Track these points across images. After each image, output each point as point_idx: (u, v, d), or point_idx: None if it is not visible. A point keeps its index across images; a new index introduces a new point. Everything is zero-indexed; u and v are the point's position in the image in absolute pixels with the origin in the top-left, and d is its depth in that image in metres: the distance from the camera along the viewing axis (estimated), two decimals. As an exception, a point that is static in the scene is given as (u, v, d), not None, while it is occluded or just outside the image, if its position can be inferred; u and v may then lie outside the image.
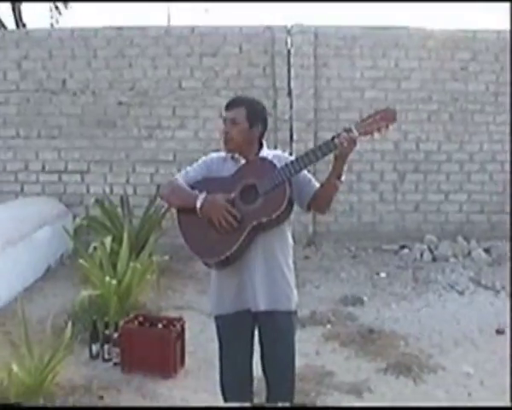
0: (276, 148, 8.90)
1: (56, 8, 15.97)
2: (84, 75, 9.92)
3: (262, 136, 3.68)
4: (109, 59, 9.89)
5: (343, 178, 3.46)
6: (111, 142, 9.96)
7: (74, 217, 9.72)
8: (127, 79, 9.90)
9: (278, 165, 3.47)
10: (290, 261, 3.71)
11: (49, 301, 7.28)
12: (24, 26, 14.54)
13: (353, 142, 3.31)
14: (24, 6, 15.01)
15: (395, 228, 9.96)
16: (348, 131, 3.32)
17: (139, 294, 6.81)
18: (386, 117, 3.36)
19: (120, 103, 9.93)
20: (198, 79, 9.85)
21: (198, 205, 3.45)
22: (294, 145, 9.68)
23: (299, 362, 5.28)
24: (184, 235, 3.61)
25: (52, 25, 15.66)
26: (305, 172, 3.59)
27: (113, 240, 7.87)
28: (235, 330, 3.70)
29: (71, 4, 16.22)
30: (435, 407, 4.85)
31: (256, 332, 3.73)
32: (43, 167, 10.02)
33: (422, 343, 6.02)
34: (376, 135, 3.38)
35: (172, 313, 6.50)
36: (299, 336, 5.99)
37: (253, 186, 3.44)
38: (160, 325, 5.47)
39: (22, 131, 10.02)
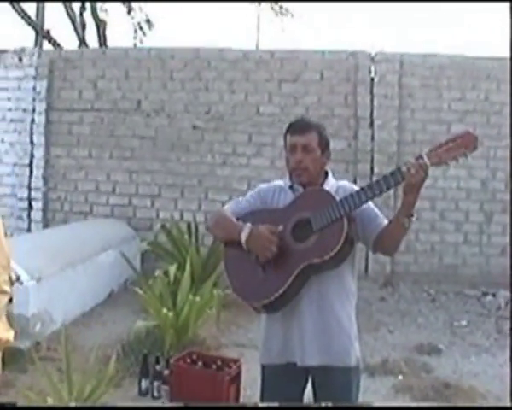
0: (355, 181, 8.45)
1: (141, 28, 16.02)
2: (159, 97, 9.74)
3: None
4: (185, 81, 9.69)
5: (414, 217, 3.01)
6: (184, 166, 9.70)
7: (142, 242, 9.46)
8: (203, 102, 9.66)
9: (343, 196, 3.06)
10: (351, 310, 3.24)
11: (106, 329, 7.04)
12: (106, 45, 14.56)
13: (423, 170, 2.83)
14: (110, 26, 15.11)
15: (479, 272, 9.29)
16: (418, 158, 2.86)
17: (199, 328, 6.44)
18: (464, 144, 2.84)
19: (195, 127, 9.69)
20: (276, 105, 9.50)
21: (243, 238, 3.06)
22: (375, 179, 9.16)
23: (364, 417, 4.78)
24: (229, 273, 3.25)
25: (135, 45, 15.69)
26: (371, 205, 3.17)
27: (178, 268, 7.53)
28: (281, 384, 3.25)
29: (155, 24, 16.25)
30: (435, 407, 4.77)
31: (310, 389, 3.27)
32: (114, 189, 9.86)
33: (504, 404, 5.38)
34: (452, 164, 2.89)
35: (233, 351, 6.12)
36: (367, 386, 5.59)
37: (308, 221, 3.02)
38: (213, 366, 5.04)
39: (94, 151, 9.92)
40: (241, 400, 5.06)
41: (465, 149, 2.83)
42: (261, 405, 3.38)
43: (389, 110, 9.32)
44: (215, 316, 6.71)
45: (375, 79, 9.38)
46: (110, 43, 14.79)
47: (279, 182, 3.34)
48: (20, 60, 10.15)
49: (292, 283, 2.99)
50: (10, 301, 6.12)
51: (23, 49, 10.24)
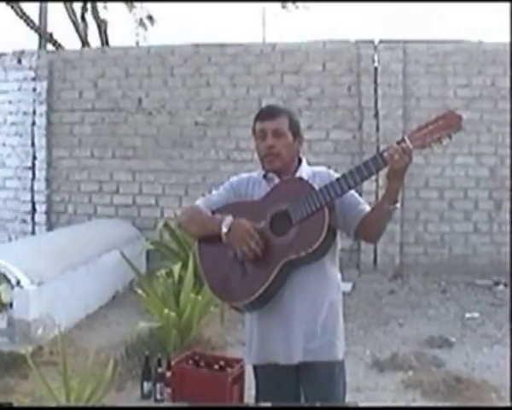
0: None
1: (143, 24, 15.93)
2: (161, 94, 9.64)
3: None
4: (186, 77, 9.59)
5: (398, 204, 2.86)
6: (187, 164, 9.59)
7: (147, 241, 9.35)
8: (204, 98, 9.56)
9: (321, 183, 2.91)
10: (336, 302, 3.11)
11: (111, 330, 6.93)
12: (107, 44, 14.46)
13: (407, 155, 2.68)
14: (111, 24, 15.04)
15: (490, 262, 9.13)
16: (401, 142, 2.70)
17: (204, 327, 6.32)
18: (447, 124, 2.68)
19: (197, 123, 9.57)
20: (279, 97, 9.36)
21: (224, 229, 2.91)
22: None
23: (372, 414, 4.63)
24: (205, 272, 3.12)
25: (138, 42, 15.63)
26: (351, 192, 2.99)
27: (183, 267, 7.40)
28: (272, 383, 3.13)
29: (156, 20, 16.16)
30: (435, 407, 4.66)
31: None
32: (117, 189, 9.78)
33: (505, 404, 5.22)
34: (436, 147, 2.74)
35: (239, 350, 5.95)
36: (376, 382, 5.45)
37: (286, 213, 2.88)
38: (216, 366, 4.90)
39: (97, 151, 9.85)
40: (246, 399, 4.93)
41: (449, 130, 2.68)
42: (262, 405, 3.22)
43: (394, 99, 9.16)
44: (220, 314, 6.59)
45: (379, 69, 9.22)
46: (112, 41, 14.71)
47: (252, 174, 3.22)
48: (20, 62, 10.07)
49: (274, 279, 2.86)
50: (10, 305, 6.06)
51: (22, 51, 10.16)
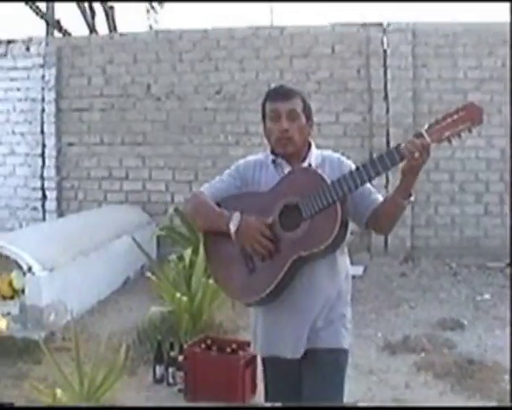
0: (371, 155, 8.27)
1: (152, 7, 15.89)
2: (169, 79, 9.62)
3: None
4: (195, 62, 9.57)
5: (412, 197, 2.74)
6: (196, 149, 9.58)
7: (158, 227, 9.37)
8: (213, 82, 9.53)
9: (331, 172, 2.83)
10: (344, 291, 2.98)
11: (122, 316, 6.95)
12: (115, 31, 14.44)
13: (426, 151, 2.55)
14: (121, 8, 15.04)
15: (501, 244, 9.05)
16: (418, 136, 2.56)
17: (215, 311, 6.31)
18: (468, 117, 2.51)
19: (206, 108, 9.54)
20: (288, 81, 9.24)
21: (232, 228, 2.78)
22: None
23: (385, 395, 4.62)
24: (212, 267, 2.99)
25: (150, 26, 15.60)
26: None
27: (194, 252, 7.40)
28: (278, 374, 3.06)
29: (165, 4, 16.12)
30: (435, 407, 4.62)
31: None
32: (127, 175, 9.78)
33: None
34: (455, 141, 2.59)
35: (250, 334, 5.94)
36: (388, 364, 5.45)
37: (296, 206, 2.73)
38: (228, 350, 4.90)
39: (106, 137, 9.83)
40: (258, 383, 4.94)
41: (469, 123, 2.51)
42: (262, 405, 3.21)
43: (403, 82, 9.10)
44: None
45: (388, 51, 9.16)
46: (121, 27, 14.72)
47: (259, 156, 3.06)
48: (28, 49, 10.06)
49: (284, 276, 2.73)
50: (23, 291, 6.08)
51: (30, 39, 10.15)
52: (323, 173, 2.77)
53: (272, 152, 2.97)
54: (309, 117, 2.94)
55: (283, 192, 2.78)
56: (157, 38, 9.70)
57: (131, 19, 25.98)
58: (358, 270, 8.22)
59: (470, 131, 2.53)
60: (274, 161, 2.95)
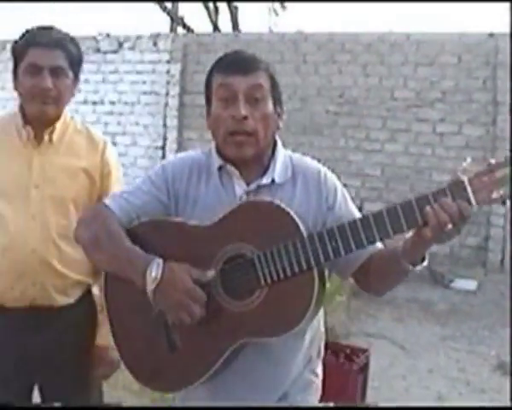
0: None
1: (274, 10, 16.05)
2: (293, 80, 9.67)
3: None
4: (319, 64, 9.60)
5: (426, 262, 1.74)
6: (316, 151, 9.59)
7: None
8: (336, 86, 9.55)
9: (304, 194, 1.91)
10: (315, 340, 2.10)
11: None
12: (238, 30, 14.68)
13: (464, 220, 1.61)
14: (242, 10, 15.23)
15: None
16: (459, 188, 1.61)
17: (329, 315, 6.33)
18: None
19: (328, 111, 9.57)
20: (412, 89, 9.24)
21: (149, 286, 1.74)
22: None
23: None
24: (117, 333, 1.97)
25: (270, 28, 15.78)
26: (354, 213, 1.93)
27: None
28: None
29: (287, 5, 16.23)
30: (435, 407, 4.64)
31: None
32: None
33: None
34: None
35: (361, 341, 5.96)
36: (501, 385, 5.31)
37: (250, 262, 1.76)
38: (341, 354, 4.92)
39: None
40: (368, 391, 4.95)
41: None
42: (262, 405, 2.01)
43: (531, 95, 8.85)
44: (345, 304, 6.60)
45: (517, 62, 8.90)
46: (242, 28, 14.90)
47: (197, 156, 2.01)
48: (155, 44, 10.37)
49: (223, 363, 1.82)
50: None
51: (158, 34, 10.46)
52: (298, 218, 1.76)
53: (219, 153, 1.95)
54: (278, 102, 1.98)
55: (231, 232, 1.79)
56: (282, 40, 9.81)
57: (250, 20, 26.37)
58: (472, 285, 8.07)
59: None
60: (220, 169, 1.94)
